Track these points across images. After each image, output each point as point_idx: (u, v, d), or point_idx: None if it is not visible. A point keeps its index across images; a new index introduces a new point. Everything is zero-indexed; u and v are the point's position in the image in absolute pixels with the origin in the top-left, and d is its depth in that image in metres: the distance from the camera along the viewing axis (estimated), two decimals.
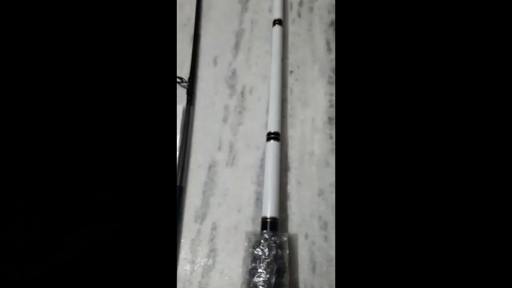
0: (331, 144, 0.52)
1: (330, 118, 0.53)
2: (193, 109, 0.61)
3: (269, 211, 0.47)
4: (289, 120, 0.55)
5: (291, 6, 0.62)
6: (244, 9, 0.65)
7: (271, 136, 0.52)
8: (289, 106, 0.56)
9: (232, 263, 0.47)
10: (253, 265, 0.43)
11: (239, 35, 0.63)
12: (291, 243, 0.48)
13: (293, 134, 0.54)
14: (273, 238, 0.44)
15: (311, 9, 0.61)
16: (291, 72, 0.58)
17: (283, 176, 0.52)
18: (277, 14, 0.61)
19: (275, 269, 0.42)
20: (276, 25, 0.59)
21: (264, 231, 0.46)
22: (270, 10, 0.64)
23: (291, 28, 0.61)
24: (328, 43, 0.57)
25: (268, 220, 0.46)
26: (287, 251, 0.44)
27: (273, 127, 0.53)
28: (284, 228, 0.49)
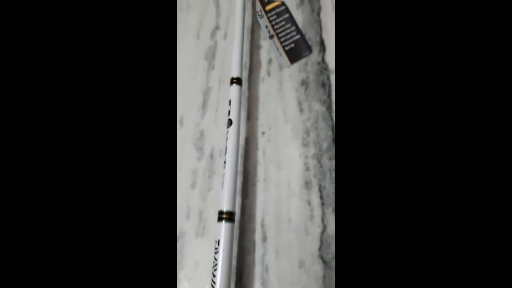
0: (309, 211, 0.49)
1: (306, 182, 0.50)
2: None
3: None
4: (263, 184, 0.52)
5: (260, 64, 0.60)
6: (211, 66, 0.63)
7: (223, 216, 0.43)
8: (262, 169, 0.53)
9: None
10: None
11: (206, 93, 0.60)
12: None
13: (268, 199, 0.51)
14: None
15: (280, 67, 0.59)
16: (263, 133, 0.55)
17: (260, 247, 0.48)
18: (235, 72, 0.53)
19: None
20: (234, 84, 0.52)
21: None
22: None
23: (261, 88, 0.59)
24: (299, 103, 0.56)
25: None
26: None
27: (227, 205, 0.43)
28: None
